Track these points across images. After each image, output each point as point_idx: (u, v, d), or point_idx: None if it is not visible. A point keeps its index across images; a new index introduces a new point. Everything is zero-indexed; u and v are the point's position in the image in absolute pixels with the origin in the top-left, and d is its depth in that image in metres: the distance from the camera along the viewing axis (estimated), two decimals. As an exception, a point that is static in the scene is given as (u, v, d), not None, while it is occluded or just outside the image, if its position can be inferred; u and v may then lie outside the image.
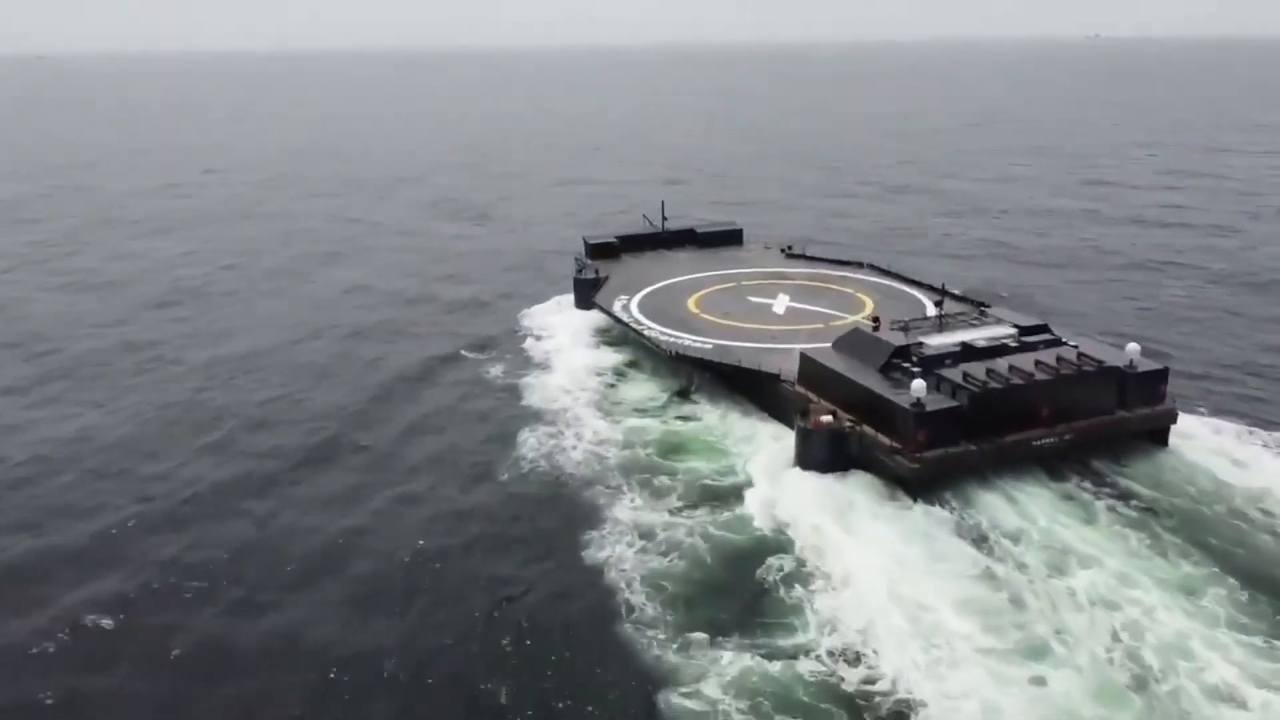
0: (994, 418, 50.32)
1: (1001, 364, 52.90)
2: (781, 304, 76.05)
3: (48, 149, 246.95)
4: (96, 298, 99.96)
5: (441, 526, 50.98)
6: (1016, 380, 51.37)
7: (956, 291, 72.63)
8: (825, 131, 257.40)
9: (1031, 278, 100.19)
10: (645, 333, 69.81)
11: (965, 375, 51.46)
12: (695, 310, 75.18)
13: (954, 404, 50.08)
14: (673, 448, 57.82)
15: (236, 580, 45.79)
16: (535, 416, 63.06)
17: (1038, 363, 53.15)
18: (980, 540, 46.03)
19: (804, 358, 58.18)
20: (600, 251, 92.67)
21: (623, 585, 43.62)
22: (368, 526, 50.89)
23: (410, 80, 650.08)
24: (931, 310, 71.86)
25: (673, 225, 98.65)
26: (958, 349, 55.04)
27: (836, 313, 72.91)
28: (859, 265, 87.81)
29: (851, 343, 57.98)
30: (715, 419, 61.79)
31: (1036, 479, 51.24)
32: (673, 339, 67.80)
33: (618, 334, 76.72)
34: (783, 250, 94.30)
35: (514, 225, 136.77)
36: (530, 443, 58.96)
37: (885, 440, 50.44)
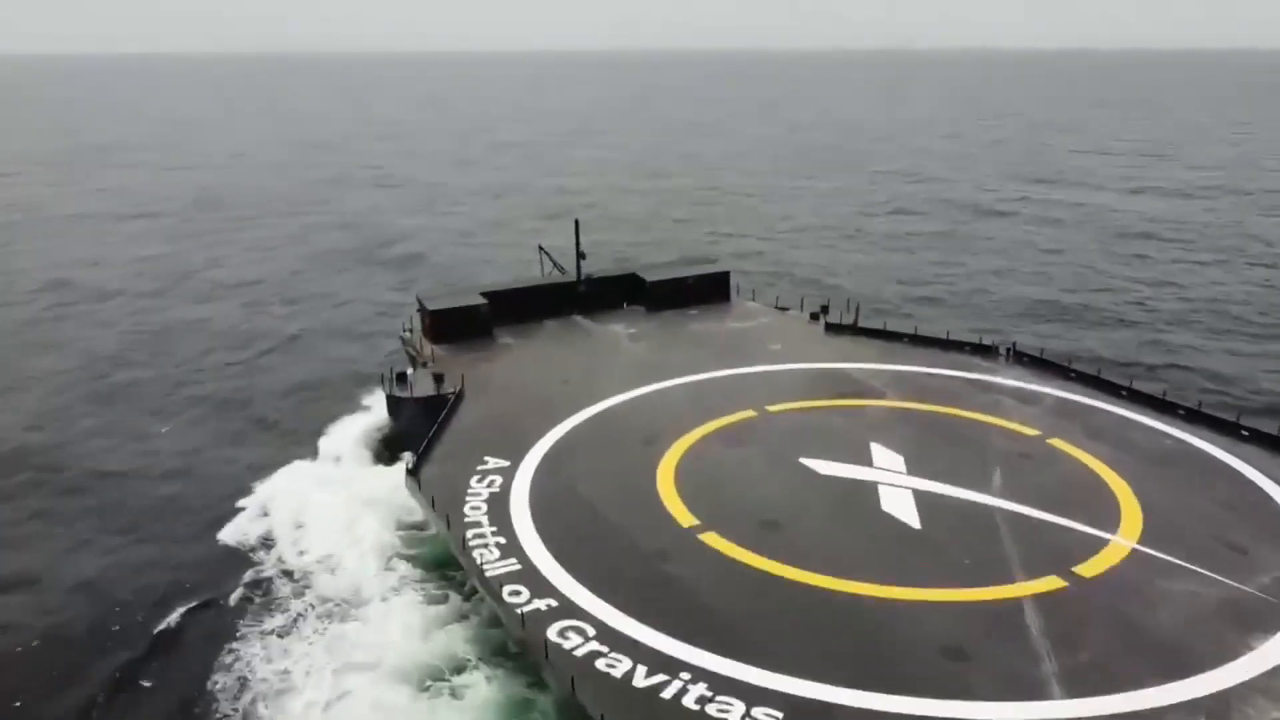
0: None
1: None
2: (898, 492, 29.39)
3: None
4: None
5: None
6: None
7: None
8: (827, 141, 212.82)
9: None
10: (567, 651, 21.89)
11: None
12: (674, 509, 28.10)
13: None
14: None
15: None
16: None
17: None
18: None
19: None
20: (449, 326, 44.69)
21: None
22: None
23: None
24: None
25: (596, 268, 51.59)
26: None
27: (1065, 523, 27.03)
28: (993, 351, 42.28)
29: None
30: None
31: None
32: (644, 670, 20.60)
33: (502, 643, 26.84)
34: (813, 315, 48.17)
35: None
36: None
37: None
